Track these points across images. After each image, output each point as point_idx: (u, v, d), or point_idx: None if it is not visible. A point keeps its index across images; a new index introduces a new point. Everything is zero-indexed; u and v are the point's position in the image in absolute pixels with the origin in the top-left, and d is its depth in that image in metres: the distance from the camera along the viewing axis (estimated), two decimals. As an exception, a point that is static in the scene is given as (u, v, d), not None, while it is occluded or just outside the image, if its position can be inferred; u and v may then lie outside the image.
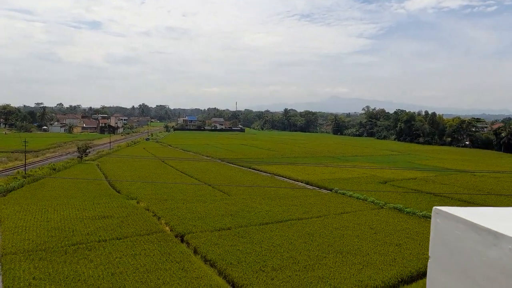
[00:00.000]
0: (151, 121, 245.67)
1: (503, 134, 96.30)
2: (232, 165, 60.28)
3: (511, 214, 0.53)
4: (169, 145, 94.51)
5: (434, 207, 0.74)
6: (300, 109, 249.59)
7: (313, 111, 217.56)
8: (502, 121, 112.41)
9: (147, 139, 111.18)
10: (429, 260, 1.04)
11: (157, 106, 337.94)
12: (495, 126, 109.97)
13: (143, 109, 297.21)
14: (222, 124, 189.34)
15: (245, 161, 61.14)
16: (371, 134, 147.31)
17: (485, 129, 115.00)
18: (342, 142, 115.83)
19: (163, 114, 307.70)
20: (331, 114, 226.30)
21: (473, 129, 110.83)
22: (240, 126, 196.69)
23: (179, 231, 25.40)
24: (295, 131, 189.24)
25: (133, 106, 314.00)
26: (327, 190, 41.58)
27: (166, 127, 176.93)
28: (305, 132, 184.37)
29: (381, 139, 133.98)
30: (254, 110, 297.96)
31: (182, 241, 23.94)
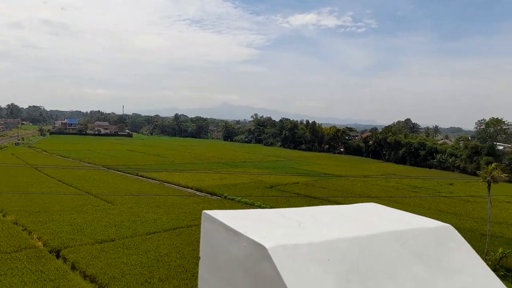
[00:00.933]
0: (22, 123, 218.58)
1: (370, 142, 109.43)
2: (118, 172, 57.07)
3: (288, 214, 0.57)
4: (45, 151, 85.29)
5: (203, 211, 0.74)
6: (191, 114, 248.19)
7: (204, 117, 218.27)
8: (370, 131, 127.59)
9: (17, 144, 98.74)
10: (199, 260, 1.04)
11: (29, 106, 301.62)
12: (364, 135, 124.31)
13: (12, 110, 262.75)
14: (107, 129, 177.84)
15: (132, 168, 58.41)
16: (259, 141, 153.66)
17: (356, 137, 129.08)
18: (232, 148, 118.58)
19: (37, 116, 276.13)
20: (222, 120, 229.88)
21: (347, 137, 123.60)
22: (127, 130, 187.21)
23: (54, 245, 23.09)
24: (186, 137, 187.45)
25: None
26: (216, 196, 42.11)
27: (41, 130, 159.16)
28: (196, 138, 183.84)
29: (268, 145, 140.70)
30: (143, 114, 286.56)
31: (57, 256, 21.81)
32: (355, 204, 0.74)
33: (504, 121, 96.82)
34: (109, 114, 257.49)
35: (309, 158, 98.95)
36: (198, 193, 44.09)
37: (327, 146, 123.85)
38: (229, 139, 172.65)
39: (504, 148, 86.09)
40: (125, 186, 45.36)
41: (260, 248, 0.59)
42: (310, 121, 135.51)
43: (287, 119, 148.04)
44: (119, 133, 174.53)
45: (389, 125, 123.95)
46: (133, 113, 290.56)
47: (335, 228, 0.66)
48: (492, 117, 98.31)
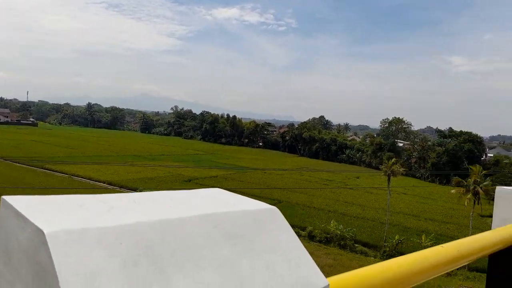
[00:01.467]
0: None
1: (287, 137, 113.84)
2: (20, 164, 52.06)
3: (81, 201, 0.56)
4: None
5: (2, 197, 0.68)
6: (106, 104, 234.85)
7: (120, 107, 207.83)
8: (287, 126, 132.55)
9: None
10: None
11: None
12: (282, 130, 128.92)
13: None
14: (7, 116, 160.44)
15: (37, 160, 53.66)
16: (178, 134, 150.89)
17: (274, 132, 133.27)
18: (150, 141, 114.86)
19: None
20: (140, 111, 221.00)
21: (265, 132, 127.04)
22: (31, 119, 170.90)
23: None
24: (100, 127, 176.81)
25: None
26: (130, 190, 40.58)
27: None
28: (111, 129, 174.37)
29: (188, 138, 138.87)
30: (50, 102, 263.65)
31: None
32: (199, 189, 0.73)
33: (404, 121, 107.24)
34: (10, 100, 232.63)
35: (229, 151, 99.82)
36: (110, 187, 42.09)
37: (246, 140, 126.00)
38: (147, 131, 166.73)
39: (404, 145, 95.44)
40: (28, 179, 41.58)
41: (39, 233, 0.55)
42: (231, 115, 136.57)
43: (208, 113, 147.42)
44: (22, 121, 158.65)
45: (304, 122, 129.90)
46: (39, 100, 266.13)
47: (146, 212, 0.65)
48: (395, 117, 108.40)
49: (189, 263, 0.58)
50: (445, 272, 1.27)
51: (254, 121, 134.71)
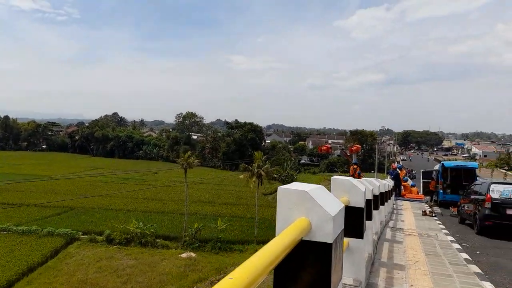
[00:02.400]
0: None
1: (77, 137, 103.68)
2: None
3: None
4: None
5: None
6: None
7: None
8: (76, 125, 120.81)
9: None
10: None
11: None
12: (70, 130, 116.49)
13: None
14: None
15: None
16: None
17: (61, 132, 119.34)
18: None
19: None
20: None
21: (50, 133, 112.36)
22: None
23: None
24: None
25: None
26: None
27: None
28: None
29: None
30: None
31: None
32: None
33: (197, 115, 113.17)
34: None
35: (2, 158, 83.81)
36: None
37: (25, 143, 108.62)
38: None
39: (198, 138, 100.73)
40: None
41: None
42: (2, 115, 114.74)
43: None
44: None
45: (96, 119, 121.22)
46: None
47: None
48: (188, 111, 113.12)
49: None
50: None
51: (34, 121, 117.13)
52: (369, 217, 5.52)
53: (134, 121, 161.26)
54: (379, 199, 7.96)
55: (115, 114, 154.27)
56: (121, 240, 29.48)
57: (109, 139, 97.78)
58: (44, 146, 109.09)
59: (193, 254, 27.74)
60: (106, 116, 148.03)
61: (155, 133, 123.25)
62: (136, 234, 29.72)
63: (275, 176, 52.29)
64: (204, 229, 31.23)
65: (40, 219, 35.22)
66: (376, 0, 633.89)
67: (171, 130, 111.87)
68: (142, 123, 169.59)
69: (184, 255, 27.52)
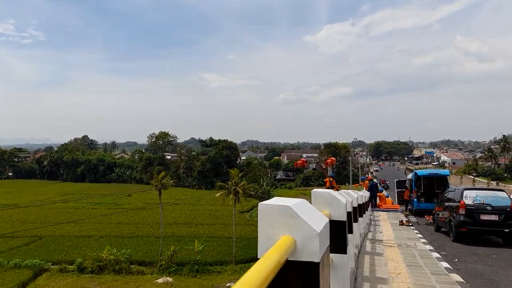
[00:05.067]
0: None
1: (45, 163, 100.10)
2: None
3: None
4: None
5: None
6: None
7: None
8: (45, 150, 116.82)
9: None
10: None
11: None
12: (38, 155, 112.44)
13: None
14: None
15: None
16: None
17: (28, 158, 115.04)
18: None
19: None
20: None
21: (16, 159, 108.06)
22: None
23: None
24: None
25: None
26: None
27: None
28: None
29: None
30: None
31: None
32: None
33: (170, 134, 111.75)
34: None
35: (-36, 188, 79.63)
36: None
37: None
38: None
39: (172, 157, 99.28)
40: None
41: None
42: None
43: None
44: None
45: (65, 143, 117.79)
46: None
47: None
48: (161, 131, 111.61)
49: None
50: None
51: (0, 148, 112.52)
52: (350, 230, 5.38)
53: (105, 143, 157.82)
54: (357, 211, 7.87)
55: (85, 137, 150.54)
56: (93, 268, 28.22)
57: (79, 163, 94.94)
58: (10, 174, 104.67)
59: (170, 279, 26.84)
60: (75, 139, 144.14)
61: (127, 154, 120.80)
62: (110, 261, 28.53)
63: (252, 193, 51.91)
64: (180, 251, 30.35)
65: (6, 250, 33.37)
66: (342, 16, 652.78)
67: (144, 151, 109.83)
68: (114, 145, 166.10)
69: (160, 280, 26.58)
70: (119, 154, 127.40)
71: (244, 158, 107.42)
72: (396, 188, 29.02)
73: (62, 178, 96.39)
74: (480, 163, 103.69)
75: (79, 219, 43.17)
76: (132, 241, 35.86)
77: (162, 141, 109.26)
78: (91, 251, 30.23)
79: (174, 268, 28.50)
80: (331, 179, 20.27)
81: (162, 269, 28.36)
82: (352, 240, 5.95)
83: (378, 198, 25.04)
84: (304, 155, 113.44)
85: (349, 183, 61.07)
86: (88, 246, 33.43)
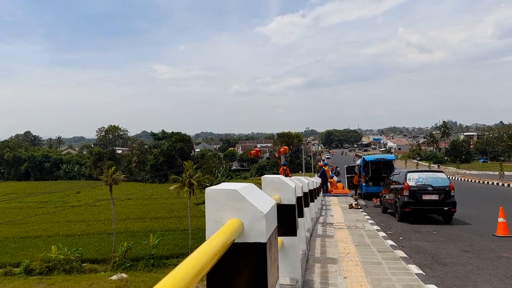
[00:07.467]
0: None
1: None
2: None
3: None
4: None
5: None
6: None
7: None
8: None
9: None
10: None
11: None
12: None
13: None
14: None
15: None
16: None
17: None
18: None
19: None
20: None
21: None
22: None
23: None
24: None
25: None
26: None
27: None
28: None
29: None
30: None
31: None
32: None
33: (120, 128, 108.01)
34: None
35: None
36: None
37: None
38: None
39: (123, 151, 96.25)
40: None
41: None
42: None
43: None
44: None
45: (6, 140, 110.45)
46: None
47: None
48: (110, 125, 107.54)
49: None
50: None
51: None
52: (301, 215, 5.57)
53: (50, 139, 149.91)
54: (308, 196, 8.13)
55: (27, 133, 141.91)
56: (42, 269, 26.91)
57: (22, 160, 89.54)
58: None
59: (124, 275, 26.23)
60: (17, 135, 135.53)
61: (75, 150, 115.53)
62: (59, 261, 27.34)
63: (207, 184, 51.61)
64: (135, 247, 29.71)
65: None
66: (292, 7, 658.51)
67: (92, 145, 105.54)
68: (60, 140, 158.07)
69: (114, 277, 25.91)
70: (66, 149, 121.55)
71: (199, 150, 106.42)
72: (346, 174, 30.15)
73: (3, 177, 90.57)
74: (423, 148, 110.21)
75: (24, 217, 40.90)
76: (83, 239, 34.58)
77: (112, 135, 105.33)
78: (39, 252, 28.79)
79: (128, 264, 27.88)
80: (284, 167, 20.62)
81: (116, 266, 27.64)
82: (303, 224, 6.16)
83: (329, 184, 25.88)
84: (259, 145, 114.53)
85: (302, 171, 62.56)
86: (35, 247, 31.81)
